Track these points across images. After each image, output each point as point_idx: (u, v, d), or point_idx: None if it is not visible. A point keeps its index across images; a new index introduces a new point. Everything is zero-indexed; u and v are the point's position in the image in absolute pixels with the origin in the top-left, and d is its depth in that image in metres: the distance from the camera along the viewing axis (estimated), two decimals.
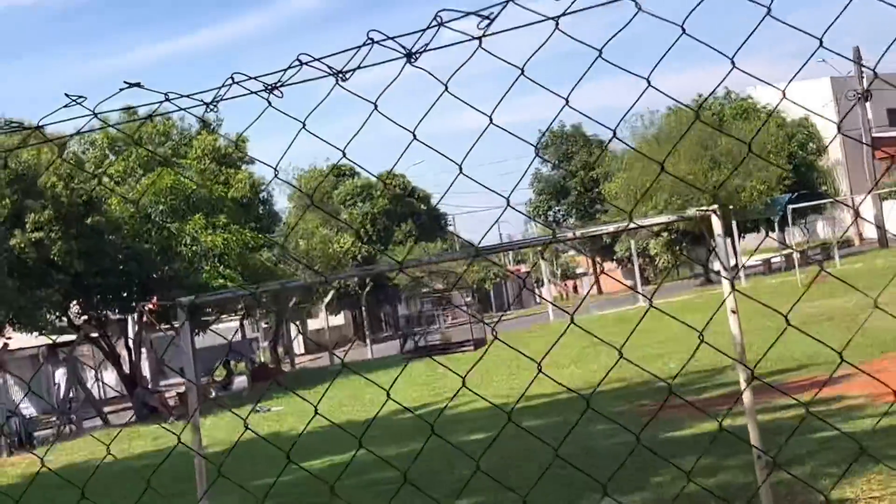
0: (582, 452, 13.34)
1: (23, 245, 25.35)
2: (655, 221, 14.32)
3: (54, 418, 29.33)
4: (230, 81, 3.02)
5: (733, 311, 7.05)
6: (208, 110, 3.09)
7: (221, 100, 3.06)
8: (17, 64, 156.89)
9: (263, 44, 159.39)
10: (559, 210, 77.04)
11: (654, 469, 12.30)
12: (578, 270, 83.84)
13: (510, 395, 20.35)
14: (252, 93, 3.01)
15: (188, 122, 36.52)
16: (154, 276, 29.84)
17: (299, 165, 65.66)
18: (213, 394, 31.05)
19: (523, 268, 77.21)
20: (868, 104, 59.31)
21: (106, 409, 33.42)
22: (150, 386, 32.16)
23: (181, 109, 3.13)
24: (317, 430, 20.85)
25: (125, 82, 3.02)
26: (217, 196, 31.68)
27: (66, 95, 3.01)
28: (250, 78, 3.02)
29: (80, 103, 3.03)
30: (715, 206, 7.22)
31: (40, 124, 3.15)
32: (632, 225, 5.85)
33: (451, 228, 75.61)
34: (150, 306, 22.92)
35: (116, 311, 31.45)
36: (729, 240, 60.12)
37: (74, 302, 29.95)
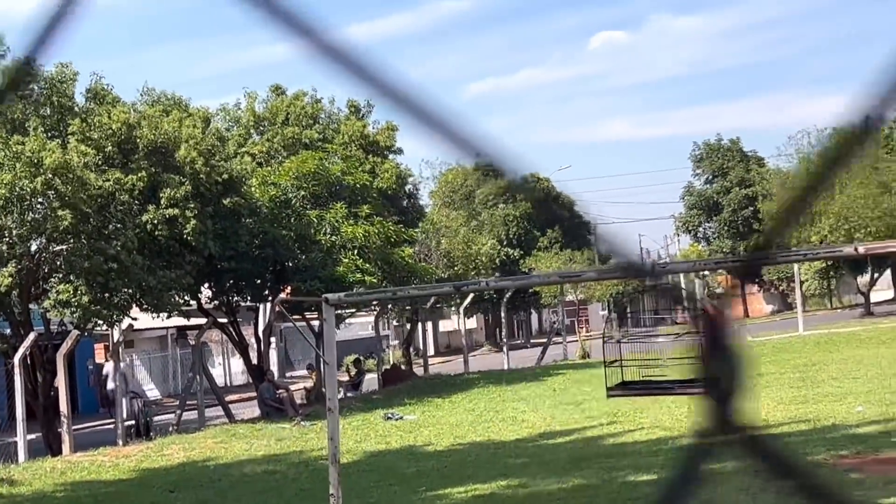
0: None
1: (156, 221, 24.01)
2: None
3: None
4: None
5: None
6: None
7: None
8: (211, 42, 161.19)
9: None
10: (709, 227, 73.71)
11: None
12: (717, 291, 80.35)
13: (671, 425, 18.03)
14: None
15: (336, 107, 34.95)
16: (289, 264, 28.30)
17: (447, 161, 64.49)
18: (342, 394, 29.31)
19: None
20: None
21: (231, 398, 32.09)
22: (275, 379, 30.63)
23: None
24: (455, 448, 18.85)
25: None
26: (361, 185, 29.88)
27: None
28: None
29: None
30: None
31: None
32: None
33: (590, 238, 73.06)
34: (284, 296, 21.31)
35: (248, 298, 30.06)
36: None
37: (205, 285, 28.60)
